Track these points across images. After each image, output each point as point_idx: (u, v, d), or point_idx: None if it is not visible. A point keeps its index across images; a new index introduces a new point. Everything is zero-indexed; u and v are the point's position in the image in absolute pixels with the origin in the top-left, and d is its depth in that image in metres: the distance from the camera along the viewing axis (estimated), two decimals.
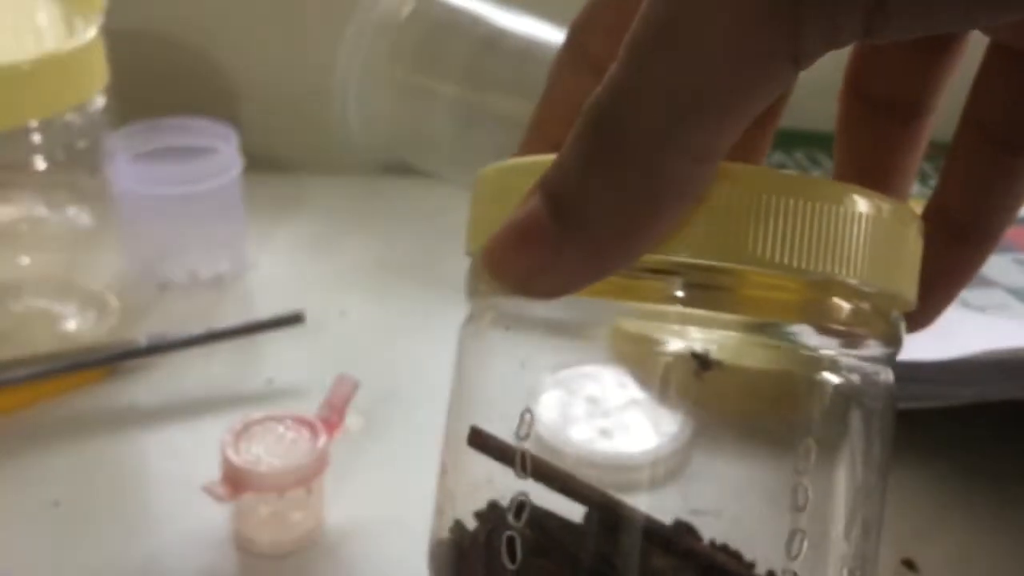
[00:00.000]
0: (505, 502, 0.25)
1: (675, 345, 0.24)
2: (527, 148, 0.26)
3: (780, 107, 0.28)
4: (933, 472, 0.45)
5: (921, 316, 0.26)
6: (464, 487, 0.27)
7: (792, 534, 0.25)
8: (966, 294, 0.49)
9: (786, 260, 0.21)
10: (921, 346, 0.41)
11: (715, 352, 0.24)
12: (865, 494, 0.26)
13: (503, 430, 0.26)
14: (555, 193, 0.20)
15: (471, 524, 0.26)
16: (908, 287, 0.24)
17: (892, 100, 0.27)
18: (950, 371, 0.41)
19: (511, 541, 0.25)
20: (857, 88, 0.28)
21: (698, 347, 0.24)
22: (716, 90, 0.18)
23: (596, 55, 0.25)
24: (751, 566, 0.26)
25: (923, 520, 0.43)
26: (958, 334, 0.44)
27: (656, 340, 0.24)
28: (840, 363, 0.25)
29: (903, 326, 0.25)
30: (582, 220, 0.19)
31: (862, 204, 0.22)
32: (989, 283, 0.50)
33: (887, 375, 0.26)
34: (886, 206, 0.22)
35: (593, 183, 0.19)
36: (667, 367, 0.24)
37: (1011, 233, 0.55)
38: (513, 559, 0.25)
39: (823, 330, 0.23)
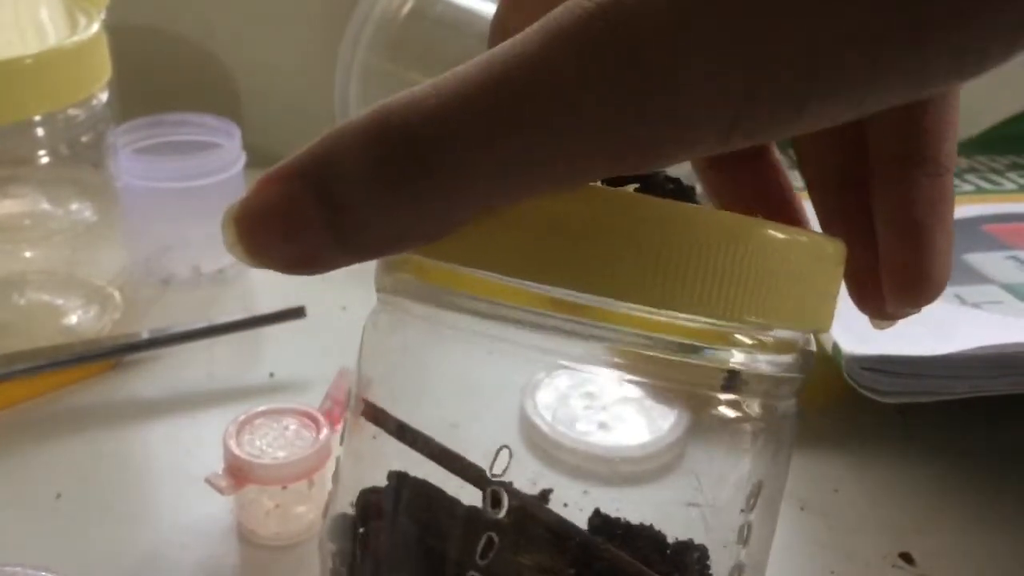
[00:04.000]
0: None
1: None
2: None
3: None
4: (929, 466, 0.45)
5: (932, 269, 0.25)
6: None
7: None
8: (962, 290, 0.49)
9: (686, 303, 0.21)
10: (917, 341, 0.42)
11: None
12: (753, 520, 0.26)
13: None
14: (330, 192, 0.20)
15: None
16: (818, 320, 0.23)
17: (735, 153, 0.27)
18: (946, 366, 0.42)
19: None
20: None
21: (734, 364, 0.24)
22: (545, 178, 0.19)
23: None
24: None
25: (920, 514, 0.43)
26: (954, 330, 0.44)
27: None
28: (735, 399, 0.24)
29: (810, 354, 0.25)
30: (357, 225, 0.20)
31: (770, 241, 0.21)
32: (984, 279, 0.50)
33: (788, 405, 0.26)
34: (802, 240, 0.22)
35: (382, 197, 0.19)
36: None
37: (1005, 230, 0.55)
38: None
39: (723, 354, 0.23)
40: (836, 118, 0.19)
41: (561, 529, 0.26)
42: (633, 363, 0.23)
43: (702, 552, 0.26)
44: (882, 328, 0.27)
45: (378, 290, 0.26)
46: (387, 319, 0.27)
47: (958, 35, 0.17)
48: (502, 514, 0.25)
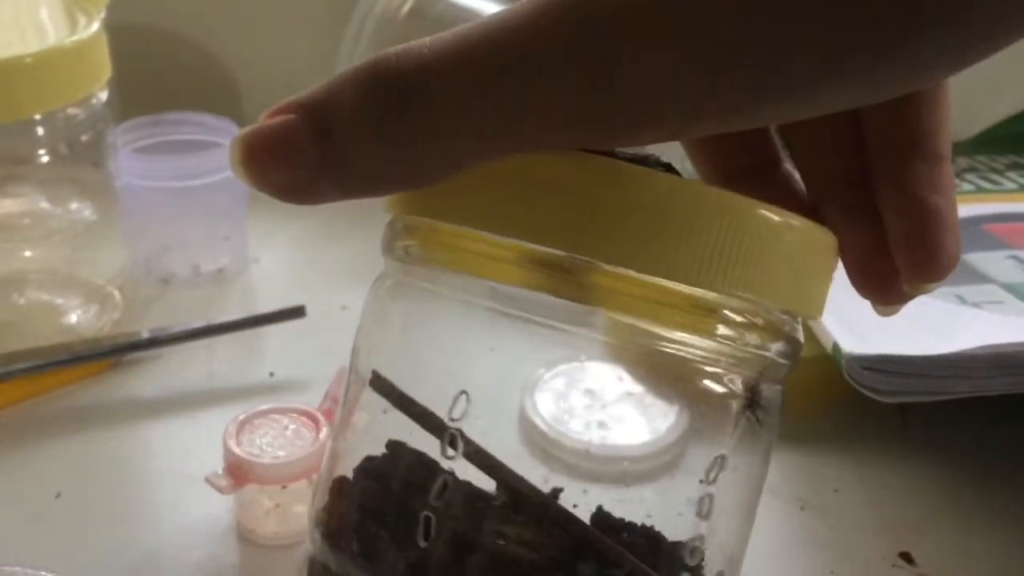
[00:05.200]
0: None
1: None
2: None
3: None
4: (930, 466, 0.45)
5: (944, 241, 0.25)
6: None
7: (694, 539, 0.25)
8: (962, 290, 0.49)
9: (684, 275, 0.21)
10: (918, 341, 0.42)
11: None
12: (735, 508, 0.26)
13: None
14: (324, 126, 0.21)
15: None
16: (807, 305, 0.24)
17: (749, 166, 0.28)
18: (946, 366, 0.42)
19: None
20: (716, 173, 0.28)
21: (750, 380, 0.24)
22: (517, 141, 0.20)
23: None
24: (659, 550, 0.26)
25: (920, 514, 0.43)
26: (954, 329, 0.44)
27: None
28: (720, 374, 0.25)
29: (799, 343, 0.25)
30: (343, 160, 0.21)
31: (764, 220, 0.22)
32: (984, 279, 0.50)
33: (773, 392, 0.26)
34: (795, 224, 0.22)
35: (366, 134, 0.20)
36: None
37: (1005, 230, 0.55)
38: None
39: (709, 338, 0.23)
40: (800, 112, 0.20)
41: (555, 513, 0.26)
42: (629, 336, 0.23)
43: (698, 552, 0.26)
44: (887, 315, 0.27)
45: (384, 254, 0.26)
46: (390, 286, 0.27)
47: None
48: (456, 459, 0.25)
